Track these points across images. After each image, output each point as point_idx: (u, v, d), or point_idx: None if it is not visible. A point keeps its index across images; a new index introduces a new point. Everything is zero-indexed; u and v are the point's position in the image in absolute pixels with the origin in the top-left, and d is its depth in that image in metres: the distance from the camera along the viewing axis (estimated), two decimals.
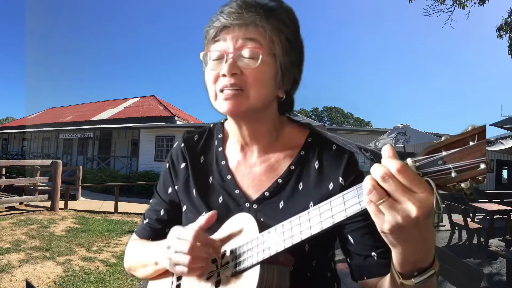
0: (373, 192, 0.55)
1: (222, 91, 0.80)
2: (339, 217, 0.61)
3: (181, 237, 0.74)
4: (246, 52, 0.79)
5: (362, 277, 0.80)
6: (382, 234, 0.59)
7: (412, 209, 0.53)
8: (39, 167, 12.53)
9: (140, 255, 0.93)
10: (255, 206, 0.85)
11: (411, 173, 0.53)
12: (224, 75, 0.79)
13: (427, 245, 0.60)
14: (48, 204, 9.43)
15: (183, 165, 0.95)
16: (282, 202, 0.84)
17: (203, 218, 0.78)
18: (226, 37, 0.80)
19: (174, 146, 1.01)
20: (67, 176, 15.67)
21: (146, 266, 0.89)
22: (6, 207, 8.88)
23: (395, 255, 0.62)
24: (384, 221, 0.56)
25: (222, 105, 0.81)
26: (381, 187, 0.55)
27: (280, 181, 0.86)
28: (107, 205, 10.76)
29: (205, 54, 0.85)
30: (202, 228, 0.76)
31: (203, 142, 0.98)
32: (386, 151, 0.56)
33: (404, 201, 0.54)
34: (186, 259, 0.72)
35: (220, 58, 0.81)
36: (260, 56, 0.79)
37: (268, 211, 0.84)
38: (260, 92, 0.81)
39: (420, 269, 0.61)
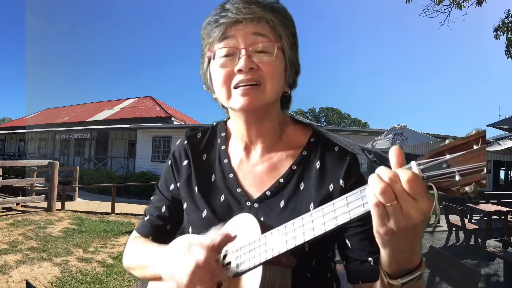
0: (385, 193, 0.55)
1: (236, 87, 0.79)
2: (343, 219, 0.61)
3: (188, 254, 0.69)
4: (259, 47, 0.79)
5: (357, 281, 0.81)
6: (376, 235, 0.60)
7: (414, 215, 0.55)
8: (36, 168, 12.47)
9: (140, 256, 0.91)
10: (256, 205, 0.84)
11: (420, 184, 0.54)
12: (240, 71, 0.78)
13: (415, 247, 0.62)
14: (45, 205, 9.37)
15: (185, 162, 0.94)
16: (282, 202, 0.83)
17: (219, 236, 0.71)
18: (235, 34, 0.79)
19: (177, 143, 1.00)
20: (64, 177, 15.61)
21: (145, 268, 0.87)
22: (3, 208, 8.82)
23: (385, 256, 0.64)
24: (386, 223, 0.57)
25: (238, 101, 0.80)
26: (392, 190, 0.55)
27: (281, 180, 0.85)
28: (104, 206, 10.71)
29: (210, 54, 0.82)
30: (214, 247, 0.70)
31: (206, 140, 0.97)
32: (395, 157, 0.57)
33: (409, 206, 0.55)
34: (185, 279, 0.67)
35: (230, 55, 0.79)
36: (275, 50, 0.80)
37: (269, 210, 0.83)
38: (275, 86, 0.81)
39: (407, 270, 0.64)
